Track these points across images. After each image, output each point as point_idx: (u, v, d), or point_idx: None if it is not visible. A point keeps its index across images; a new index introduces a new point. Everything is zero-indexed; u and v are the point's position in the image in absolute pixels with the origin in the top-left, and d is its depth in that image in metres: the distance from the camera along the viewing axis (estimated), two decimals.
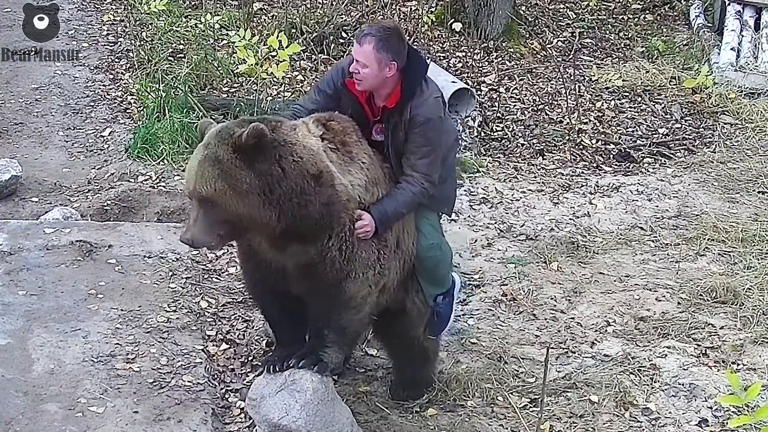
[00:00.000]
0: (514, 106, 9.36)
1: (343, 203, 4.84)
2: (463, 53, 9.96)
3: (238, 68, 8.56)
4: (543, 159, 8.64)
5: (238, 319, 6.12)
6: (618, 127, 9.14)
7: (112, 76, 9.24)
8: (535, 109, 9.34)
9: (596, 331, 6.45)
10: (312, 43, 9.67)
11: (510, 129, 9.01)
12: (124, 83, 9.09)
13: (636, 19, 11.21)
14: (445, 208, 5.51)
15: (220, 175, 4.54)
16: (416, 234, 5.28)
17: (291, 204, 4.67)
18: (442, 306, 5.59)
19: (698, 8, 11.15)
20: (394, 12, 10.40)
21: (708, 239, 7.39)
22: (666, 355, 6.19)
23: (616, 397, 5.81)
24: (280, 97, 8.67)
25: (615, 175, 8.40)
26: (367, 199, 4.96)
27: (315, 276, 4.92)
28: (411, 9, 10.48)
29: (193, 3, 10.62)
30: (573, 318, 6.58)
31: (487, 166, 8.36)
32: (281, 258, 4.92)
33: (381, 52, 4.92)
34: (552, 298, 6.74)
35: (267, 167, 4.60)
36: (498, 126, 9.04)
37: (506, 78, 9.75)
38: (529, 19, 10.75)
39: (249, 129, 4.54)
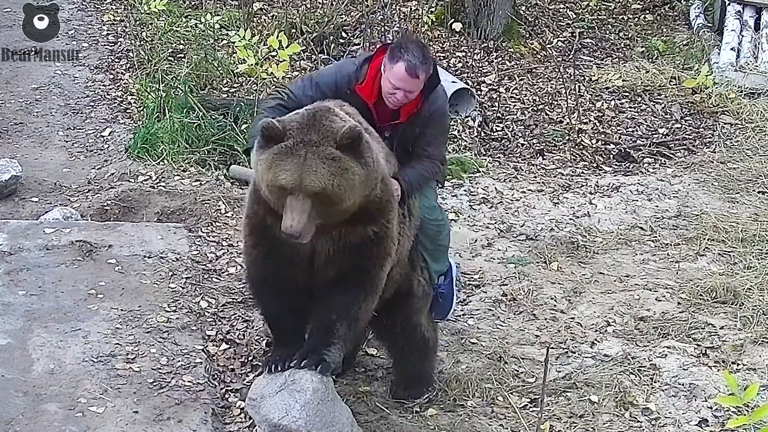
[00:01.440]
0: (514, 106, 9.37)
1: (385, 176, 4.95)
2: (463, 53, 9.96)
3: (238, 68, 8.56)
4: (543, 159, 8.64)
5: (238, 319, 6.11)
6: (618, 127, 9.14)
7: (112, 76, 9.24)
8: (535, 109, 9.34)
9: (596, 331, 6.45)
10: (312, 43, 9.68)
11: (510, 129, 9.01)
12: (124, 83, 9.09)
13: (636, 19, 11.22)
14: (441, 176, 5.69)
15: (335, 171, 4.63)
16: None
17: (373, 186, 4.81)
18: (444, 287, 5.73)
19: (698, 8, 11.15)
20: (394, 12, 10.40)
21: (708, 239, 7.39)
22: (666, 355, 6.19)
23: (616, 397, 5.81)
24: None
25: (615, 175, 8.40)
26: (387, 170, 5.06)
27: (354, 258, 4.94)
28: (411, 9, 10.48)
29: (193, 3, 10.62)
30: (573, 318, 6.58)
31: (487, 166, 8.36)
32: (320, 244, 4.89)
33: (428, 73, 5.06)
34: (552, 298, 6.74)
35: (366, 158, 4.72)
36: (498, 126, 9.05)
37: (506, 78, 9.75)
38: (529, 19, 10.75)
39: (348, 128, 4.63)
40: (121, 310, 5.87)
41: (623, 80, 9.73)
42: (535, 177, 8.31)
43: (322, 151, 4.63)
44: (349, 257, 4.95)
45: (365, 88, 5.12)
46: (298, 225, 4.62)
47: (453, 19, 10.15)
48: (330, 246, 4.91)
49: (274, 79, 8.65)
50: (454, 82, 8.97)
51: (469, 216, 7.63)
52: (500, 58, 10.04)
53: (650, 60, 10.20)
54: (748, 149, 8.79)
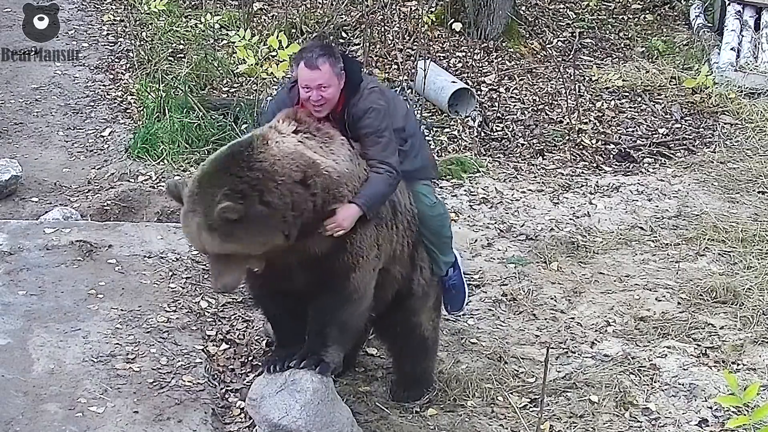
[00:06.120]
0: (514, 106, 9.37)
1: (336, 180, 4.92)
2: (463, 53, 9.96)
3: (238, 68, 8.56)
4: (543, 159, 8.64)
5: (238, 319, 6.11)
6: (618, 127, 9.14)
7: (112, 76, 9.24)
8: (535, 109, 9.34)
9: (596, 331, 6.46)
10: None
11: (510, 129, 9.01)
12: (124, 83, 9.10)
13: (636, 19, 11.22)
14: (431, 173, 5.63)
15: (223, 236, 4.65)
16: (415, 197, 5.39)
17: (295, 216, 4.77)
18: (454, 278, 5.72)
19: (698, 8, 11.15)
20: (394, 12, 10.40)
21: (708, 239, 7.39)
22: (666, 355, 6.19)
23: (616, 397, 5.82)
24: None
25: (615, 175, 8.40)
26: (356, 170, 5.03)
27: (323, 267, 4.98)
28: (411, 9, 10.48)
29: (193, 3, 10.63)
30: (573, 318, 6.58)
31: (487, 166, 8.36)
32: (286, 256, 4.93)
33: (335, 66, 5.02)
34: (552, 298, 6.75)
35: (257, 211, 4.67)
36: (498, 126, 9.05)
37: (506, 78, 9.75)
38: (529, 19, 10.75)
39: (219, 211, 4.58)
40: (121, 310, 5.87)
41: (623, 80, 9.73)
42: (535, 177, 8.31)
43: (206, 221, 4.64)
44: (316, 266, 4.99)
45: (301, 106, 5.12)
46: (219, 284, 4.86)
47: (453, 19, 10.14)
48: (296, 258, 4.96)
49: (274, 79, 8.65)
50: (454, 82, 8.97)
51: (469, 216, 7.63)
52: (500, 58, 10.04)
53: (650, 60, 10.20)
54: (748, 149, 8.79)
